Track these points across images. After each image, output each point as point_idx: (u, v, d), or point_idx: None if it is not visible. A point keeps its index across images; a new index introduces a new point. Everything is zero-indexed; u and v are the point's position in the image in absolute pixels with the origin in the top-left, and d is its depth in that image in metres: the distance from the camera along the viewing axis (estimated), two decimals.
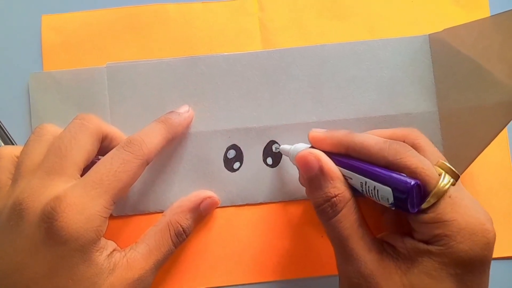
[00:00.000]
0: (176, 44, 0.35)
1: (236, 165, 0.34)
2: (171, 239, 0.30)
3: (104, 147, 0.30)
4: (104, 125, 0.30)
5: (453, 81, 0.33)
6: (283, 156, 0.34)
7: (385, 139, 0.27)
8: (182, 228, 0.31)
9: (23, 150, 0.28)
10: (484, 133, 0.31)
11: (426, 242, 0.25)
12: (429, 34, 0.34)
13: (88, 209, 0.25)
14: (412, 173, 0.25)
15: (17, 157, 0.28)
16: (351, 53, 0.34)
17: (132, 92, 0.34)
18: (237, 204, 0.34)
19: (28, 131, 0.34)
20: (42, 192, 0.26)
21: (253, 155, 0.34)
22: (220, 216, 0.34)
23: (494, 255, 0.33)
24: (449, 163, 0.33)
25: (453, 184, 0.25)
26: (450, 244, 0.24)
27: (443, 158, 0.28)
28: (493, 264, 0.34)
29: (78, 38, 0.35)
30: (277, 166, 0.34)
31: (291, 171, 0.34)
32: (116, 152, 0.28)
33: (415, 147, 0.27)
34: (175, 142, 0.34)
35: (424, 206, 0.25)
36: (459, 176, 0.26)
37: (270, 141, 0.34)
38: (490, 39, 0.29)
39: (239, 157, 0.34)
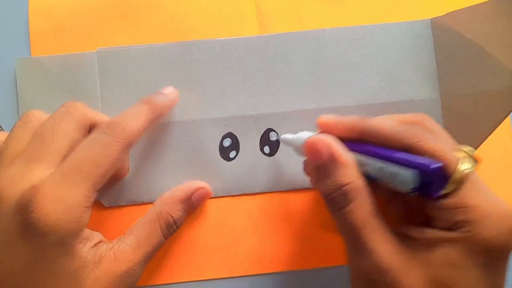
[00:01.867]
0: (168, 30, 0.34)
1: (232, 154, 0.33)
2: (161, 231, 0.29)
3: None
4: (92, 113, 0.29)
5: (455, 67, 0.32)
6: (281, 144, 0.33)
7: (400, 123, 0.26)
8: (173, 219, 0.30)
9: (7, 137, 0.27)
10: (488, 120, 0.30)
11: (448, 229, 0.23)
12: (431, 19, 0.33)
13: (67, 198, 0.24)
14: (431, 157, 0.23)
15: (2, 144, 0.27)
16: (351, 38, 0.33)
17: (123, 78, 0.33)
18: (233, 194, 0.33)
19: (16, 118, 0.33)
20: (18, 181, 0.24)
21: (249, 143, 0.33)
22: (215, 207, 0.33)
23: None
24: None
25: (473, 169, 0.24)
26: (475, 230, 0.23)
27: (457, 144, 0.27)
28: None
29: (67, 23, 0.34)
30: (275, 155, 0.33)
31: (289, 161, 0.33)
32: (96, 136, 0.26)
33: (428, 132, 0.26)
34: (167, 129, 0.33)
35: (446, 190, 0.23)
36: (477, 162, 0.25)
37: (267, 129, 0.33)
38: (493, 23, 0.28)
39: (235, 145, 0.33)
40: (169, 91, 0.32)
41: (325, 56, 0.33)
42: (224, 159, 0.33)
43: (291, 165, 0.33)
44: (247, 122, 0.33)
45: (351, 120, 0.27)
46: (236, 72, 0.33)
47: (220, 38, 0.33)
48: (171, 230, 0.30)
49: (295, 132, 0.30)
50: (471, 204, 0.23)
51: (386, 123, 0.26)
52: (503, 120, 0.30)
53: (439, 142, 0.24)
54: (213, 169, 0.33)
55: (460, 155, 0.24)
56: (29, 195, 0.23)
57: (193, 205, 0.32)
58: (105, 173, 0.25)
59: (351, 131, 0.26)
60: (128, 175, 0.33)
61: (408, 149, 0.24)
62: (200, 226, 0.33)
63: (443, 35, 0.32)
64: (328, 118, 0.28)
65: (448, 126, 0.32)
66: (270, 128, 0.33)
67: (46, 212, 0.23)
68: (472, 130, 0.31)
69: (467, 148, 0.25)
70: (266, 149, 0.33)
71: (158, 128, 0.33)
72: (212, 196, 0.33)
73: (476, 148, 0.31)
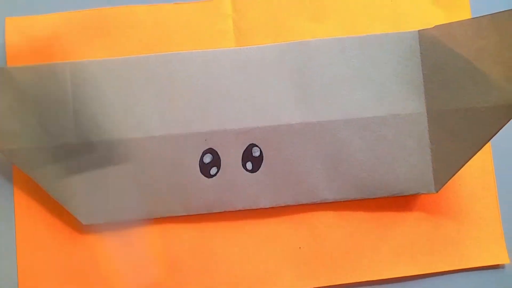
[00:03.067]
0: (146, 46, 0.33)
1: (213, 170, 0.31)
2: None
3: None
4: None
5: (443, 81, 0.31)
6: (264, 160, 0.32)
7: None
8: None
9: None
10: (475, 137, 0.30)
11: None
12: (418, 30, 0.32)
13: None
14: None
15: None
16: (338, 49, 0.32)
17: (98, 90, 0.31)
18: (214, 211, 0.32)
19: None
20: None
21: (231, 159, 0.31)
22: (194, 228, 0.32)
23: (479, 264, 0.33)
24: (436, 169, 0.32)
25: None
26: None
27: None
28: (476, 274, 0.34)
29: (44, 42, 0.33)
30: (257, 172, 0.32)
31: (272, 177, 0.32)
32: None
33: None
34: (144, 144, 0.31)
35: None
36: None
37: (250, 144, 0.32)
38: (487, 39, 0.28)
39: (216, 162, 0.31)
40: None
41: (311, 68, 0.32)
42: (204, 175, 0.31)
43: (275, 182, 0.32)
44: (229, 137, 0.31)
45: None
46: (217, 84, 0.31)
47: (201, 50, 0.31)
48: None
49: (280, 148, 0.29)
50: None
51: None
52: (491, 137, 0.29)
53: None
54: (193, 186, 0.31)
55: None
56: None
57: None
58: None
59: None
60: (108, 193, 0.31)
61: None
62: (176, 250, 0.32)
63: (431, 48, 0.31)
64: None
65: (434, 142, 0.32)
66: (253, 144, 0.32)
67: None
68: (459, 147, 0.30)
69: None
70: (249, 165, 0.32)
71: (135, 143, 0.31)
72: (190, 214, 0.32)
73: (462, 166, 0.30)
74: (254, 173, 0.32)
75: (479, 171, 0.34)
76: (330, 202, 0.32)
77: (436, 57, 0.31)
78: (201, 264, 0.32)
